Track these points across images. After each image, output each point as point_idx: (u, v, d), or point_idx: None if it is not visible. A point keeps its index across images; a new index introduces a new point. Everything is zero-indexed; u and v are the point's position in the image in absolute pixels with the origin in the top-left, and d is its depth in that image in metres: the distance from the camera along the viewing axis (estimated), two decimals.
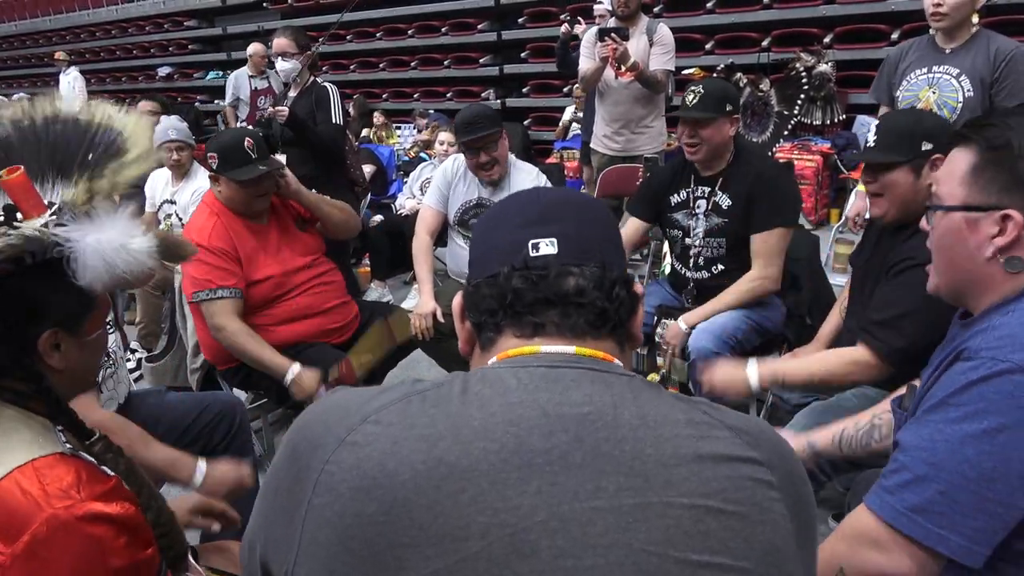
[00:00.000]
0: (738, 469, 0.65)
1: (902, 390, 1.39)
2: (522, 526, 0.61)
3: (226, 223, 2.34)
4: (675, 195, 2.51)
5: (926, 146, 1.71)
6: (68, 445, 0.94)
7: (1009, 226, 1.00)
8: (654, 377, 2.39)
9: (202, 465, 1.63)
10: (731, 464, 0.65)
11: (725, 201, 2.40)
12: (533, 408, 0.66)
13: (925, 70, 2.88)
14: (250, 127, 3.84)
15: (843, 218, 4.32)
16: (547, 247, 0.75)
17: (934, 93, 2.85)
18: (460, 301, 0.81)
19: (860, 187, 3.19)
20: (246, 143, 2.30)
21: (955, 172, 1.06)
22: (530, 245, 0.75)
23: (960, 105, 2.79)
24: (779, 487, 0.66)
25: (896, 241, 1.81)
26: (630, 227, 2.61)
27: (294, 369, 2.23)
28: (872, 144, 1.82)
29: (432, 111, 7.16)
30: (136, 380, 2.69)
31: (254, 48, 5.97)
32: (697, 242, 2.48)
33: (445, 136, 4.60)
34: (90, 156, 0.99)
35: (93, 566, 0.85)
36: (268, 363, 2.25)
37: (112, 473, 0.96)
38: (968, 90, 2.78)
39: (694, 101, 2.32)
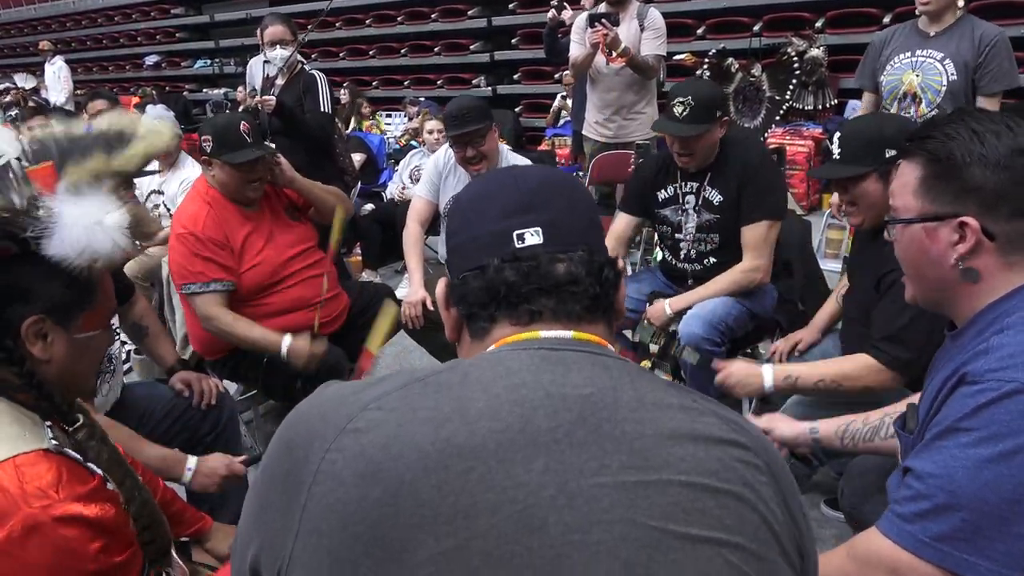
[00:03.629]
0: (729, 452, 0.67)
1: (901, 406, 1.39)
2: (531, 502, 0.62)
3: (218, 211, 2.30)
4: (662, 191, 2.49)
5: (890, 153, 1.71)
6: (55, 442, 0.93)
7: (968, 232, 1.01)
8: (646, 364, 2.39)
9: (191, 462, 1.63)
10: (722, 446, 0.67)
11: (716, 197, 2.38)
12: (536, 389, 0.67)
13: (908, 54, 2.89)
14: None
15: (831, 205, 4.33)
16: (532, 237, 0.75)
17: (917, 76, 2.87)
18: (445, 290, 0.81)
19: None
20: (242, 126, 2.28)
21: (907, 185, 1.07)
22: (515, 236, 0.75)
23: (944, 88, 2.81)
24: (766, 472, 0.69)
25: (881, 243, 1.81)
26: (621, 223, 2.59)
27: (286, 341, 2.23)
28: (837, 157, 1.81)
29: (423, 99, 7.11)
30: (125, 373, 2.67)
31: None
32: (688, 238, 2.46)
33: (433, 124, 4.57)
34: (99, 143, 1.01)
35: (67, 567, 0.85)
36: (261, 341, 2.25)
37: (97, 470, 0.95)
38: (952, 74, 2.79)
39: (684, 114, 2.25)
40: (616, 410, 0.67)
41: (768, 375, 1.82)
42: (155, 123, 1.10)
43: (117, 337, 1.95)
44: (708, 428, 0.68)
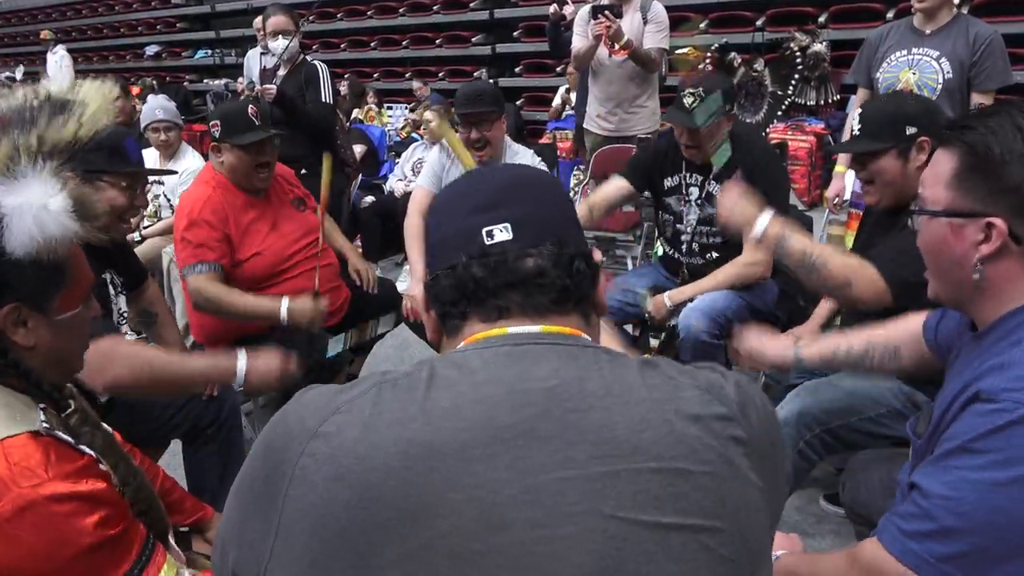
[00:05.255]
0: (707, 427, 0.66)
1: (886, 332, 1.36)
2: (494, 500, 0.61)
3: (222, 195, 2.29)
4: (668, 178, 2.49)
5: (910, 130, 1.71)
6: (45, 424, 0.93)
7: (993, 234, 0.97)
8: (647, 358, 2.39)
9: (242, 362, 1.51)
10: (700, 423, 0.66)
11: (719, 191, 2.37)
12: (499, 385, 0.67)
13: (905, 52, 2.94)
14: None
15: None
16: (501, 233, 0.75)
17: (914, 74, 2.91)
18: (424, 294, 0.81)
19: (839, 168, 3.22)
20: (250, 110, 2.30)
21: (940, 175, 1.03)
22: (484, 233, 0.75)
23: (940, 87, 2.87)
24: (747, 441, 0.68)
25: (894, 226, 1.81)
26: (612, 185, 2.54)
27: (285, 303, 2.18)
28: (857, 133, 1.82)
29: (433, 92, 7.05)
30: None
31: (257, 23, 5.52)
32: (688, 229, 2.46)
33: (429, 115, 4.58)
34: (28, 116, 0.97)
35: (62, 544, 0.85)
36: (257, 309, 2.21)
37: (87, 450, 0.95)
38: (948, 72, 2.85)
39: (695, 105, 2.25)
40: (582, 399, 0.66)
41: (762, 225, 1.72)
42: (95, 88, 1.03)
43: (123, 324, 1.95)
44: (685, 406, 0.67)
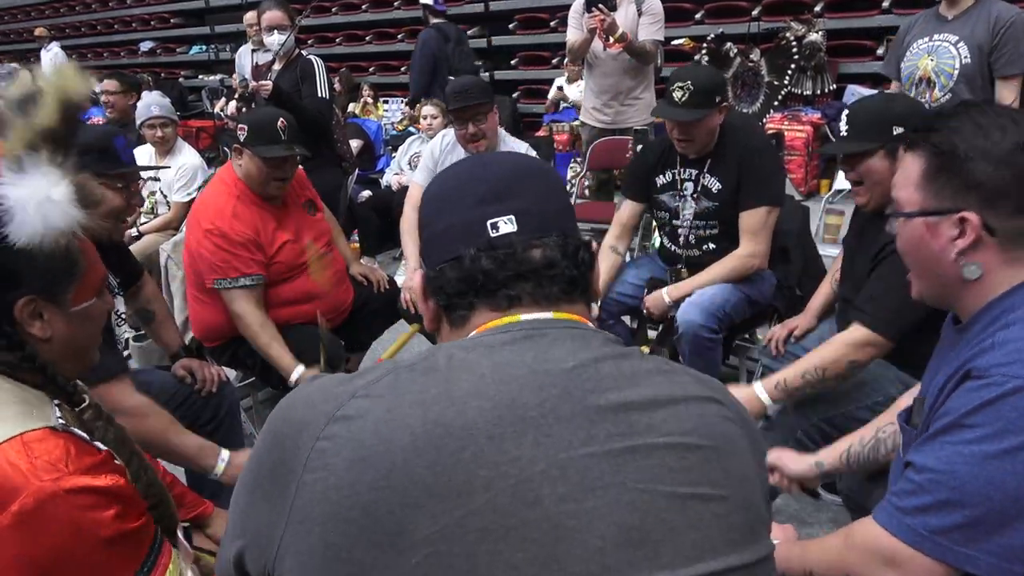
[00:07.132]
0: (707, 408, 0.72)
1: (891, 416, 1.38)
2: (523, 476, 0.64)
3: (247, 206, 2.28)
4: (661, 176, 2.49)
5: (897, 130, 1.72)
6: (61, 420, 0.94)
7: (967, 228, 1.00)
8: (644, 350, 2.39)
9: (225, 454, 1.65)
10: (700, 404, 0.72)
11: (715, 184, 2.37)
12: (520, 366, 0.69)
13: (926, 39, 2.87)
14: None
15: (832, 189, 4.32)
16: (506, 225, 0.76)
17: (932, 61, 2.85)
18: (422, 283, 0.82)
19: None
20: (279, 123, 2.29)
21: (910, 177, 1.06)
22: (488, 225, 0.76)
23: (956, 72, 2.79)
24: (739, 423, 0.74)
25: (882, 222, 1.82)
26: (626, 210, 2.59)
27: (299, 370, 2.22)
28: (844, 134, 1.82)
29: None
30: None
31: (248, 18, 5.21)
32: (686, 224, 2.46)
33: (428, 110, 4.57)
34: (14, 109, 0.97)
35: (82, 538, 0.86)
36: (275, 359, 2.23)
37: (103, 447, 0.96)
38: (965, 56, 2.77)
39: (684, 99, 2.24)
40: (600, 381, 0.70)
41: (763, 393, 1.79)
42: (58, 68, 1.02)
43: (123, 324, 1.95)
44: (684, 388, 0.72)
